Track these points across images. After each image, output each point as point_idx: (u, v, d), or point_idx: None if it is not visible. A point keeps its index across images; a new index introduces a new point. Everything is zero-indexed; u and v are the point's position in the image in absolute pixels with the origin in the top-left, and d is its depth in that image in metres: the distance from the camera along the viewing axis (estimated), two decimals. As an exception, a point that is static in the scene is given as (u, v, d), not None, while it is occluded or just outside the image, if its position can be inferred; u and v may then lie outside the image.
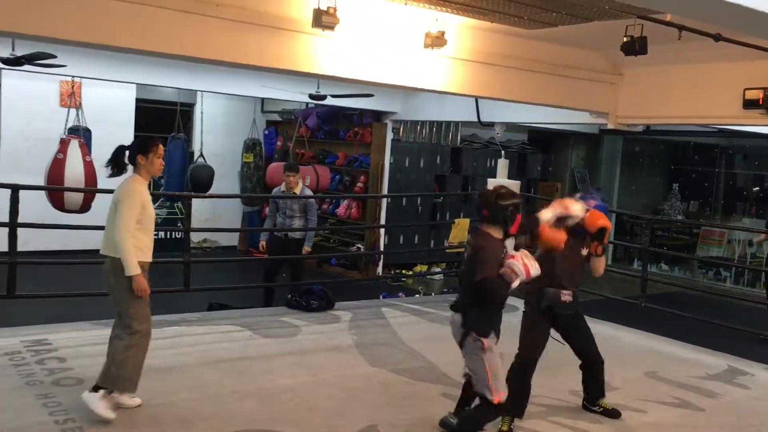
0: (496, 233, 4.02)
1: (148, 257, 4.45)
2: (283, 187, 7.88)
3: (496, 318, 4.11)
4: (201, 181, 9.09)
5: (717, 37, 5.21)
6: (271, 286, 7.96)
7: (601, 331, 7.28)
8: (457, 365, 5.80)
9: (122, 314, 4.40)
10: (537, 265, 3.95)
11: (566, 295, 4.63)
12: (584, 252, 4.64)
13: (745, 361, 6.52)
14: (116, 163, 4.48)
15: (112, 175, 4.51)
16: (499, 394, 4.00)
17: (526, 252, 4.00)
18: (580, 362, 4.86)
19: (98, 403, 4.23)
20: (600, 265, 4.72)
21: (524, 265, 3.88)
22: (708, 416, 5.11)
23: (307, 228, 7.78)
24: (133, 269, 4.26)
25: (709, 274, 12.61)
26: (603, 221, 4.55)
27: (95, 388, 4.29)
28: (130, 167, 4.51)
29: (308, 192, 8.06)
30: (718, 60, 6.36)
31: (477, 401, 4.15)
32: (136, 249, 4.30)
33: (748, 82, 6.28)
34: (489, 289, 3.91)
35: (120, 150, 4.51)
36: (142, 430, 4.22)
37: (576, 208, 4.49)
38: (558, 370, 5.25)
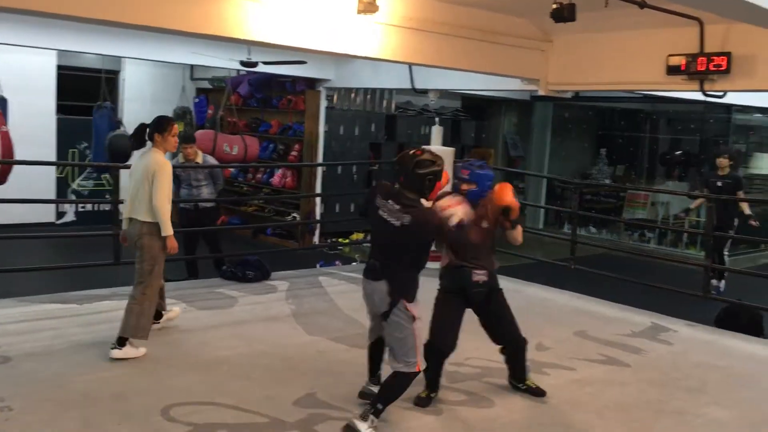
0: (413, 197, 3.95)
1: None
2: (181, 159, 7.73)
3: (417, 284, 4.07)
4: (120, 150, 8.78)
5: (642, 4, 5.33)
6: (202, 258, 7.84)
7: (534, 293, 7.53)
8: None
9: (143, 272, 5.01)
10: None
11: (479, 275, 4.42)
12: (489, 226, 4.39)
13: (669, 318, 6.83)
14: (137, 139, 5.17)
15: (133, 149, 5.78)
16: (421, 359, 4.01)
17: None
18: (499, 346, 4.67)
19: (127, 351, 4.92)
20: (515, 236, 4.44)
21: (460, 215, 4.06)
22: (633, 371, 5.34)
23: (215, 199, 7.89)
24: (168, 230, 4.96)
25: (635, 236, 13.10)
26: (508, 199, 4.26)
27: (120, 341, 4.92)
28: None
29: (210, 159, 8.02)
30: (643, 27, 6.52)
31: (392, 372, 4.02)
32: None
33: (671, 48, 6.47)
34: (462, 235, 4.06)
35: (141, 127, 5.17)
36: (75, 407, 4.12)
37: (452, 210, 4.21)
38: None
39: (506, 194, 4.27)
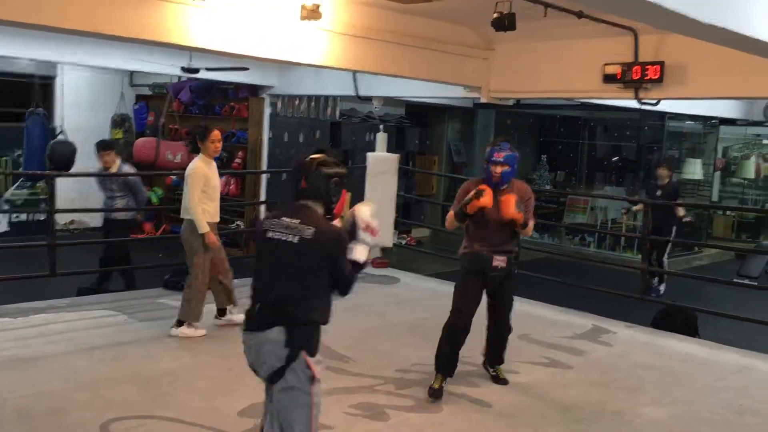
0: (321, 212, 3.09)
1: (215, 219, 5.77)
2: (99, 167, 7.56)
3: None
4: (61, 158, 8.54)
5: (580, 15, 5.48)
6: (139, 268, 7.66)
7: (478, 298, 7.61)
8: (343, 338, 5.87)
9: (190, 265, 5.75)
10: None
11: (498, 260, 4.72)
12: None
13: (608, 320, 7.00)
14: (193, 145, 6.14)
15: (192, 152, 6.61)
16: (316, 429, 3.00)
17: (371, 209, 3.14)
18: (488, 324, 5.01)
19: (186, 331, 5.70)
20: (525, 233, 4.94)
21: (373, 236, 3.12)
22: (576, 373, 5.46)
23: (131, 208, 7.54)
24: (203, 228, 5.60)
25: (575, 240, 13.39)
26: (510, 214, 4.59)
27: (178, 323, 5.73)
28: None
29: (127, 168, 7.65)
30: (581, 37, 6.69)
31: None
32: (205, 213, 5.62)
33: (607, 57, 6.66)
34: (351, 283, 3.05)
35: (194, 135, 6.03)
36: (11, 425, 3.97)
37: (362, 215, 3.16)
38: (436, 341, 5.41)
39: (508, 210, 4.59)
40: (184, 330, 5.73)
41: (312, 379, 2.96)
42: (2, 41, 7.59)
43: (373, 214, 3.13)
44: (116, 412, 4.20)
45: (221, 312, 6.10)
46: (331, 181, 3.09)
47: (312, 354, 2.99)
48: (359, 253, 3.03)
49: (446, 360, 4.80)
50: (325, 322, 3.06)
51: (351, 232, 3.07)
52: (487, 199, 4.58)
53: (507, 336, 5.05)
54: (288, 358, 2.93)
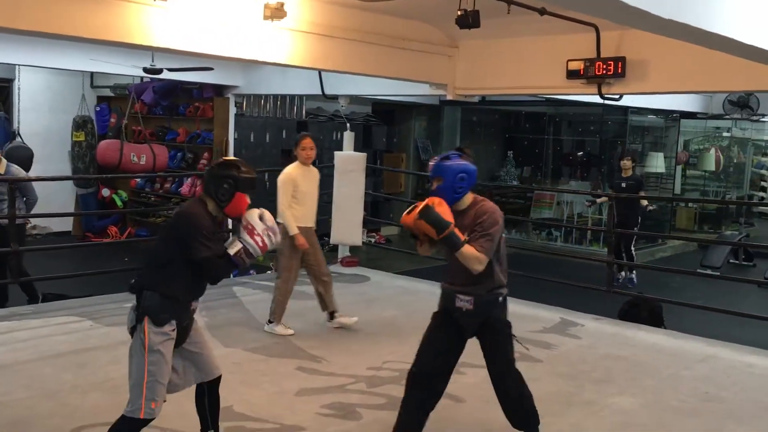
0: (212, 207, 3.38)
1: (304, 223, 5.94)
2: None
3: (183, 307, 3.35)
4: (18, 163, 8.34)
5: (542, 11, 5.53)
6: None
7: (448, 294, 7.64)
8: (314, 338, 5.85)
9: (280, 267, 6.06)
10: (276, 231, 3.39)
11: (462, 301, 3.63)
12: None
13: (576, 313, 7.09)
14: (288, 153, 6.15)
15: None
16: (150, 405, 3.23)
17: (264, 216, 3.38)
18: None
19: (277, 329, 5.97)
20: (463, 258, 3.52)
21: (262, 243, 3.34)
22: (545, 366, 5.51)
23: (21, 216, 6.87)
24: (292, 230, 5.83)
25: (542, 235, 13.53)
26: (403, 219, 3.59)
27: (269, 322, 6.01)
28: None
29: (15, 170, 6.96)
30: (543, 33, 6.75)
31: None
32: (294, 217, 5.86)
33: (570, 53, 6.73)
34: (209, 269, 3.31)
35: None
36: (-28, 437, 3.87)
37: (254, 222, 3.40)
38: (407, 338, 5.43)
39: (407, 217, 3.57)
40: (275, 327, 5.98)
41: (143, 346, 3.24)
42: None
43: (263, 218, 3.39)
44: (82, 420, 4.12)
45: (331, 315, 6.20)
46: (223, 182, 3.34)
47: (157, 323, 3.25)
48: (232, 247, 3.34)
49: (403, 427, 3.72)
50: (175, 297, 3.30)
51: (236, 229, 3.44)
52: (409, 216, 3.55)
53: (517, 395, 3.84)
54: (135, 320, 3.30)
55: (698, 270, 9.83)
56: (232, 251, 3.32)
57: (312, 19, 6.11)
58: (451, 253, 3.54)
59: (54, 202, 11.42)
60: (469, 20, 5.18)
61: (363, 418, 4.38)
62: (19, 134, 9.70)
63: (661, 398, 4.98)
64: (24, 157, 9.32)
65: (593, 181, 13.77)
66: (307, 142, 5.99)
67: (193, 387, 3.62)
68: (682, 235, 14.08)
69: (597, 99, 7.01)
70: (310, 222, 6.04)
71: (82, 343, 5.56)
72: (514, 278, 8.07)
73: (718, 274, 9.83)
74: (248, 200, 3.40)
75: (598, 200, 11.34)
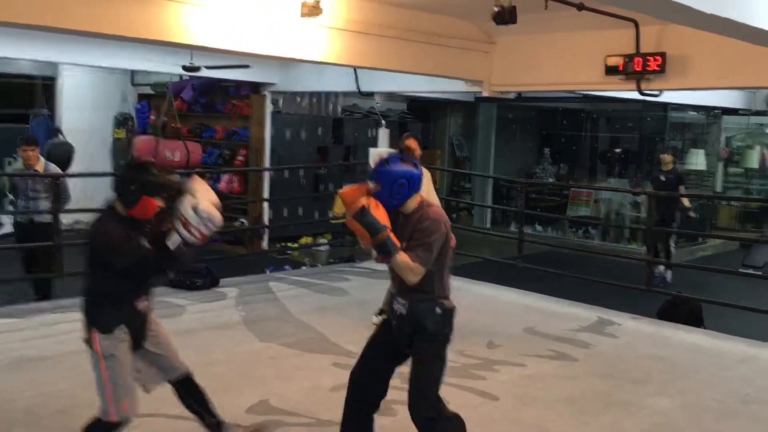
0: (121, 209, 3.26)
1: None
2: (20, 164, 6.95)
3: (128, 308, 3.31)
4: (58, 160, 8.47)
5: (580, 7, 5.47)
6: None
7: (482, 291, 7.61)
8: (347, 334, 5.89)
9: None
10: (214, 220, 3.18)
11: (399, 304, 3.36)
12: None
13: (614, 312, 6.99)
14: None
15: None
16: (120, 407, 3.29)
17: (198, 207, 3.16)
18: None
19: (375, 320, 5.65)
20: (398, 270, 3.21)
21: (199, 234, 3.18)
22: (582, 365, 5.46)
23: (59, 210, 6.76)
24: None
25: (579, 233, 13.38)
26: (337, 209, 3.49)
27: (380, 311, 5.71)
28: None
29: (53, 169, 6.98)
30: (582, 29, 6.68)
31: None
32: None
33: (609, 49, 6.65)
34: (143, 270, 3.27)
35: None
36: (20, 426, 3.99)
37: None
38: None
39: (340, 205, 3.38)
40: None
41: (97, 357, 3.22)
42: (3, 42, 7.62)
43: (197, 210, 3.16)
44: (124, 411, 4.20)
45: (381, 312, 5.84)
46: (130, 185, 3.23)
47: (104, 330, 3.21)
48: (171, 241, 3.21)
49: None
50: (117, 300, 3.24)
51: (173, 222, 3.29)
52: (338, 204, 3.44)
53: (427, 425, 3.40)
54: (85, 331, 3.26)
55: (740, 269, 9.62)
56: (171, 246, 3.21)
57: (348, 17, 6.14)
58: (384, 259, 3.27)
59: (96, 198, 11.70)
60: (506, 16, 5.15)
61: (398, 414, 4.39)
62: (60, 132, 9.92)
63: (699, 399, 4.90)
64: (63, 156, 9.52)
65: (632, 178, 13.56)
66: (411, 142, 5.75)
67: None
68: (724, 234, 13.79)
69: (636, 95, 6.92)
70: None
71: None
72: (549, 276, 8.09)
73: (760, 273, 9.61)
74: (158, 203, 3.22)
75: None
